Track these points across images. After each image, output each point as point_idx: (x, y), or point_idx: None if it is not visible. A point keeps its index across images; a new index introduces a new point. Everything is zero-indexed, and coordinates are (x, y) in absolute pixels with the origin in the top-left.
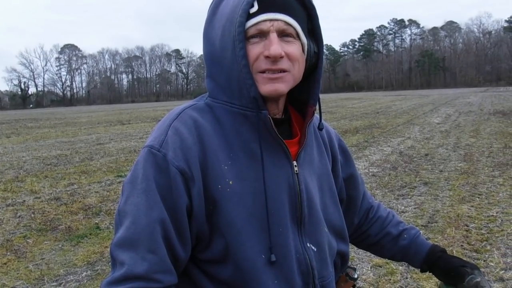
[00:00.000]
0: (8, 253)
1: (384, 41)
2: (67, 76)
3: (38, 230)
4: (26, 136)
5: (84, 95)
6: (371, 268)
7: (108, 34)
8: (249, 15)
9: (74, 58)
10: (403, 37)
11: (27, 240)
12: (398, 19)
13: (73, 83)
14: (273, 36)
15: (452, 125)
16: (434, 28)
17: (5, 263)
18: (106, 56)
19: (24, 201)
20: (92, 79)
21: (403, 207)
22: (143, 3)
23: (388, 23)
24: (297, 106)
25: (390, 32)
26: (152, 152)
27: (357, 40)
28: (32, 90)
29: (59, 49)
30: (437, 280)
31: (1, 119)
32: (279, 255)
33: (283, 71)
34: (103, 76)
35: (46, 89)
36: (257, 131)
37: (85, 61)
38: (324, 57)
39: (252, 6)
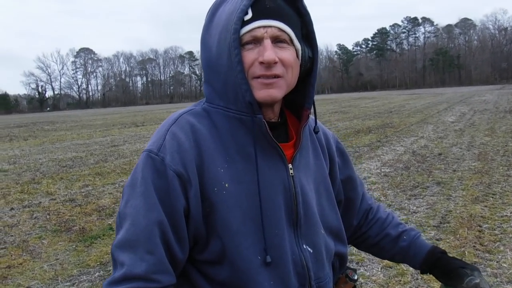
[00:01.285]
0: (24, 254)
1: (397, 39)
2: (83, 79)
3: (53, 231)
4: (43, 139)
5: (99, 97)
6: (381, 269)
7: (123, 37)
8: (244, 22)
9: (90, 62)
10: (417, 35)
11: (42, 241)
12: (412, 17)
13: (89, 86)
14: (267, 42)
15: (467, 124)
16: (448, 26)
17: (20, 263)
18: (121, 59)
19: (40, 202)
20: (107, 82)
21: (415, 208)
22: (157, 5)
23: (402, 21)
24: (294, 109)
25: (404, 30)
26: (151, 156)
27: (370, 39)
28: (49, 93)
29: (75, 53)
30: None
31: (19, 122)
32: (274, 256)
33: (277, 76)
34: (118, 79)
35: (62, 92)
36: (252, 135)
37: (100, 64)
38: (337, 57)
39: (247, 13)
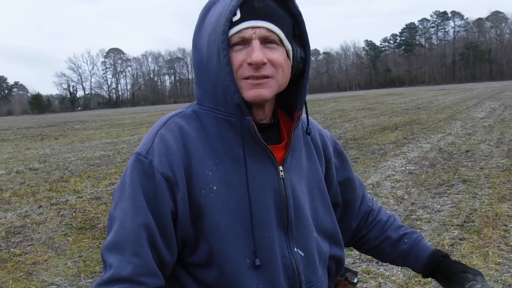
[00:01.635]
0: (49, 250)
1: (426, 34)
2: (113, 79)
3: (78, 229)
4: (72, 138)
5: (128, 97)
6: (401, 269)
7: (151, 37)
8: (232, 23)
9: (119, 62)
10: (446, 30)
11: (67, 238)
12: (441, 11)
13: (118, 85)
14: (255, 43)
15: (497, 120)
16: (479, 19)
17: (45, 260)
18: (149, 59)
19: (67, 200)
20: (136, 81)
21: (439, 206)
22: (185, 5)
23: (431, 15)
24: (288, 110)
25: (433, 25)
26: (140, 158)
27: (398, 34)
28: (80, 93)
29: (105, 53)
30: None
31: (51, 122)
32: (264, 259)
33: (266, 77)
34: (147, 78)
35: (93, 92)
36: (241, 137)
37: (129, 64)
38: (365, 53)
39: (235, 14)
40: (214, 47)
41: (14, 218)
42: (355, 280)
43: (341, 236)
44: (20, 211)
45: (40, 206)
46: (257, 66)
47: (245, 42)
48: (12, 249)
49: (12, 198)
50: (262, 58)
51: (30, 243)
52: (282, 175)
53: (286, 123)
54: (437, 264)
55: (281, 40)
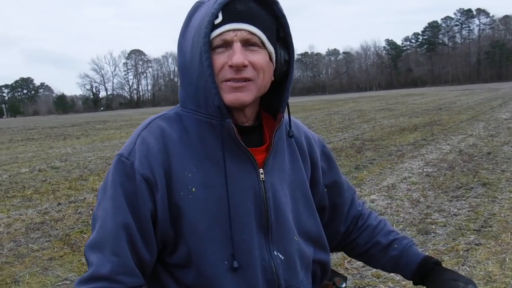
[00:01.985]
0: (65, 247)
1: (450, 33)
2: (134, 79)
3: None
4: (93, 137)
5: (149, 97)
6: None
7: (171, 38)
8: (214, 26)
9: (140, 63)
10: (471, 28)
11: (83, 235)
12: (465, 9)
13: (139, 86)
14: (237, 45)
15: None
16: (506, 17)
17: (61, 256)
18: (170, 60)
19: (85, 198)
20: (156, 82)
21: (456, 210)
22: None
23: (454, 13)
24: (273, 113)
25: (457, 23)
26: (122, 160)
27: (420, 33)
28: (102, 94)
29: (126, 55)
30: None
31: (74, 122)
32: (242, 262)
33: (248, 79)
34: (167, 79)
35: (115, 93)
36: (220, 139)
37: (150, 65)
38: (385, 53)
39: (217, 17)
40: (197, 49)
41: (34, 215)
42: (344, 285)
43: (330, 240)
44: (40, 208)
45: (59, 204)
46: (238, 68)
47: (227, 44)
48: (30, 245)
49: (33, 195)
50: (243, 60)
51: (47, 239)
52: (262, 178)
53: (270, 126)
54: (427, 271)
55: (263, 43)
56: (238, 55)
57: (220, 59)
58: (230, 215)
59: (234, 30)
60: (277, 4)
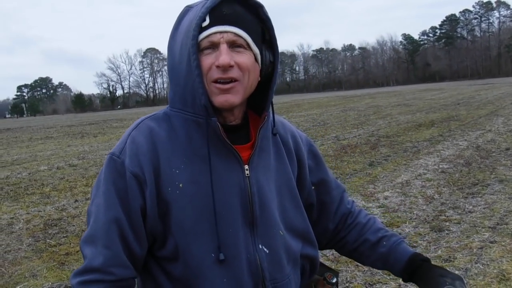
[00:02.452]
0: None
1: (468, 26)
2: (150, 78)
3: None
4: (110, 135)
5: (165, 95)
6: None
7: None
8: (202, 29)
9: (156, 61)
10: (491, 21)
11: None
12: (485, 1)
13: (155, 84)
14: (223, 47)
15: None
16: None
17: (77, 251)
18: None
19: None
20: None
21: (471, 207)
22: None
23: (473, 6)
24: (260, 112)
25: (476, 16)
26: (113, 158)
27: (438, 27)
28: (119, 92)
29: (142, 53)
30: (496, 287)
31: (91, 120)
32: (228, 254)
33: (234, 80)
34: None
35: (131, 91)
36: (207, 136)
37: (166, 63)
38: (402, 48)
39: (205, 20)
40: (185, 51)
41: (52, 211)
42: (334, 280)
43: (319, 238)
44: (58, 205)
45: (76, 201)
46: (225, 68)
47: (214, 46)
48: (48, 240)
49: (51, 192)
50: (229, 61)
51: (64, 235)
52: (247, 174)
53: (256, 124)
54: (415, 268)
55: (248, 44)
56: (224, 55)
57: (207, 60)
58: (215, 210)
59: (220, 32)
60: (262, 8)
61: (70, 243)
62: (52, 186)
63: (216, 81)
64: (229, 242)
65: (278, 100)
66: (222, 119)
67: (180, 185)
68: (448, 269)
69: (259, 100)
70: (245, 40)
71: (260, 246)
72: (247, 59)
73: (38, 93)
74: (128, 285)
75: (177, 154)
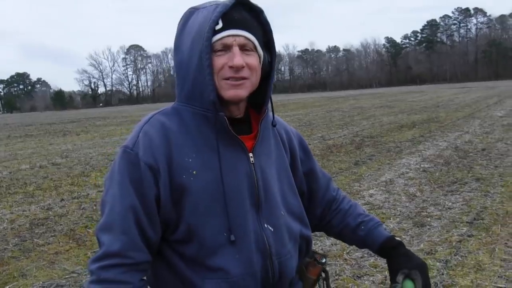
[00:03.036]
0: (71, 241)
1: (448, 31)
2: (133, 75)
3: (98, 221)
4: (94, 134)
5: (149, 93)
6: None
7: (171, 33)
8: (215, 31)
9: (139, 58)
10: (469, 27)
11: (88, 229)
12: (463, 8)
13: (139, 82)
14: (236, 49)
15: None
16: (502, 16)
17: (67, 250)
18: (169, 56)
19: (88, 194)
20: (156, 77)
21: (450, 203)
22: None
23: (452, 12)
24: (257, 107)
25: (455, 22)
26: (127, 151)
27: (419, 31)
28: (101, 89)
29: (125, 50)
30: (474, 277)
31: (73, 118)
32: (238, 234)
33: (244, 78)
34: (167, 74)
35: (114, 89)
36: (215, 129)
37: (150, 60)
38: (385, 50)
39: (218, 23)
40: (197, 50)
41: (38, 211)
42: (324, 260)
43: (309, 222)
44: (43, 204)
45: (62, 200)
46: (237, 69)
47: (226, 48)
48: (35, 240)
49: (35, 191)
50: (242, 62)
51: (52, 234)
52: (252, 161)
53: (256, 117)
54: (387, 251)
55: (255, 47)
56: (238, 57)
57: (220, 60)
58: (225, 193)
59: (233, 35)
60: (263, 13)
61: (59, 242)
62: (36, 185)
63: (227, 79)
64: (239, 222)
65: None
66: (228, 113)
67: (194, 172)
68: (413, 256)
69: (257, 97)
70: (253, 43)
71: (266, 225)
72: (255, 60)
73: (15, 89)
74: (144, 268)
75: (188, 145)
